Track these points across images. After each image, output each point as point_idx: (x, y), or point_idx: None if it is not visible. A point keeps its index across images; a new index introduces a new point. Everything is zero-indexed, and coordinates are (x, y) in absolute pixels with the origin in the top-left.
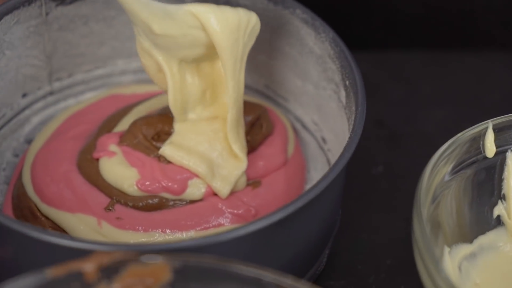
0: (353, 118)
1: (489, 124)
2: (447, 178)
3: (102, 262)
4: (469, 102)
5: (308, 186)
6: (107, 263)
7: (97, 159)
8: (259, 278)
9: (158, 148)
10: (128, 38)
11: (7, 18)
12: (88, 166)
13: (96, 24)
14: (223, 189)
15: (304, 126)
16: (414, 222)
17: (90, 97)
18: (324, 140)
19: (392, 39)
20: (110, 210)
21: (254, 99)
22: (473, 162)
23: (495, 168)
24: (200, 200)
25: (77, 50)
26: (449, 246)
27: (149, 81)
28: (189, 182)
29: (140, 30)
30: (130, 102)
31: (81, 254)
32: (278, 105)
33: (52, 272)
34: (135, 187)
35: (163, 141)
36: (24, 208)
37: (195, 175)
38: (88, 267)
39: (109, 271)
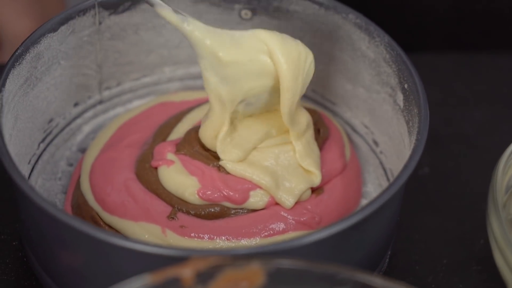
0: (414, 120)
1: None
2: None
3: (199, 268)
4: (505, 102)
5: (364, 189)
6: (204, 268)
7: (156, 168)
8: (355, 280)
9: (217, 157)
10: (176, 46)
11: (63, 28)
12: (147, 175)
13: (146, 32)
14: (287, 201)
15: (354, 129)
16: (489, 210)
17: (137, 105)
18: (376, 143)
19: (424, 41)
20: (173, 218)
21: (303, 102)
22: None
23: None
24: (263, 208)
25: (126, 58)
26: None
27: (197, 88)
28: (251, 192)
29: (207, 63)
30: (180, 109)
31: (164, 261)
32: (325, 109)
33: (151, 278)
34: (196, 195)
35: None
36: (86, 217)
37: (257, 186)
38: (186, 272)
39: (205, 276)
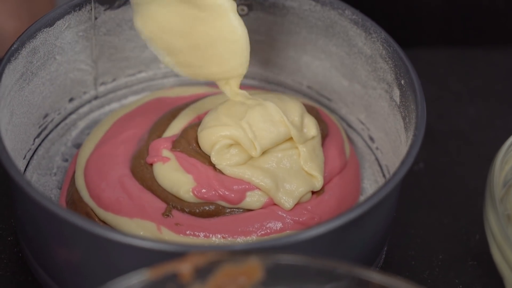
0: (411, 116)
1: None
2: None
3: (197, 263)
4: (499, 98)
5: (362, 185)
6: (202, 263)
7: (151, 164)
8: (353, 276)
9: None
10: None
11: (59, 23)
12: (142, 171)
13: None
14: (286, 203)
15: (350, 126)
16: (486, 205)
17: (133, 100)
18: (372, 139)
19: (418, 37)
20: (168, 215)
21: (300, 99)
22: None
23: None
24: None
25: (121, 54)
26: None
27: (192, 84)
28: (248, 193)
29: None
30: (176, 104)
31: (162, 256)
32: (321, 105)
33: (150, 274)
34: (191, 193)
35: None
36: (80, 213)
37: (255, 187)
38: (184, 268)
39: (204, 272)
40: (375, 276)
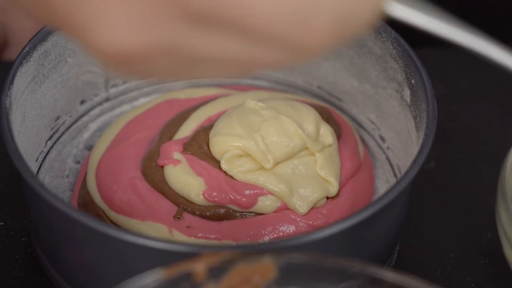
0: (422, 116)
1: None
2: None
3: (211, 263)
4: (509, 96)
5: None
6: (216, 263)
7: (162, 167)
8: (366, 274)
9: None
10: None
11: None
12: (153, 174)
13: None
14: (301, 208)
15: (360, 125)
16: (498, 203)
17: (144, 102)
18: (382, 138)
19: (426, 36)
20: (179, 218)
21: (311, 99)
22: None
23: None
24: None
25: None
26: None
27: (203, 85)
28: (260, 197)
29: None
30: (186, 106)
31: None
32: (331, 105)
33: (165, 273)
34: (201, 196)
35: None
36: (92, 216)
37: (268, 192)
38: (199, 267)
39: (217, 271)
40: (388, 274)
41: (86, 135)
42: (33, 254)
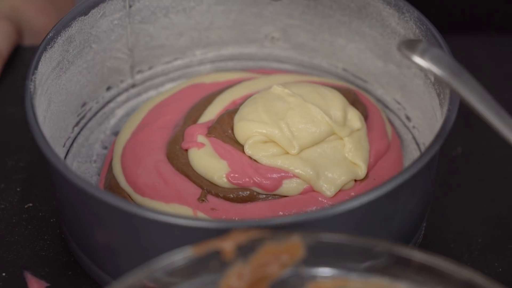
0: (445, 92)
1: None
2: None
3: (240, 241)
4: None
5: None
6: (245, 241)
7: (186, 150)
8: (392, 253)
9: None
10: (206, 28)
11: (93, 11)
12: (177, 157)
13: (176, 15)
14: (328, 190)
15: (386, 106)
16: None
17: (169, 88)
18: (408, 118)
19: (454, 23)
20: (203, 200)
21: (337, 81)
22: None
23: None
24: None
25: (157, 42)
26: None
27: (227, 69)
28: (285, 180)
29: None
30: (211, 90)
31: (201, 235)
32: (357, 87)
33: (194, 251)
34: (225, 179)
35: None
36: None
37: (293, 175)
38: (227, 245)
39: (246, 249)
40: (416, 254)
41: (113, 121)
42: (62, 235)
